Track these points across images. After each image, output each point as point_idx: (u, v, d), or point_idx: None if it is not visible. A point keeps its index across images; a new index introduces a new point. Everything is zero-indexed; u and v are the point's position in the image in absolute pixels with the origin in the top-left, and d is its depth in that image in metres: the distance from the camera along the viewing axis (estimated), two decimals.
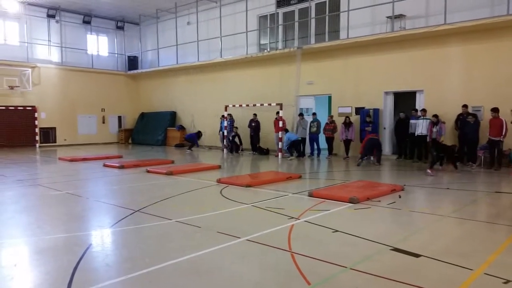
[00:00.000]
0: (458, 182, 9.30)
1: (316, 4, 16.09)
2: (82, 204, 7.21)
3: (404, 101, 14.31)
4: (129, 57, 23.67)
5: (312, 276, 3.75)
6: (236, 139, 16.73)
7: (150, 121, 22.78)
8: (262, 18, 18.12)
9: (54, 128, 20.93)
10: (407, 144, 13.50)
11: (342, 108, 15.23)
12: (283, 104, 14.99)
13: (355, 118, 14.64)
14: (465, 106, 12.05)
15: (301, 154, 14.78)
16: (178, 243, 4.84)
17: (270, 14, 17.66)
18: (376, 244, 4.68)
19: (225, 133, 16.70)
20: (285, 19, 17.41)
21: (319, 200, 7.12)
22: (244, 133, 16.93)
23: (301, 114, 15.50)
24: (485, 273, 3.82)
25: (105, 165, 12.14)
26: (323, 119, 15.09)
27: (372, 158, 12.79)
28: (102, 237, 5.23)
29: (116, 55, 23.74)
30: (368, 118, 13.85)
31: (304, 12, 16.47)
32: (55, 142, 20.93)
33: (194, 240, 4.96)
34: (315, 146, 15.01)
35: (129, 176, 10.48)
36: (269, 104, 15.33)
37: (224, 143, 16.86)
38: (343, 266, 3.98)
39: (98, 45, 23.19)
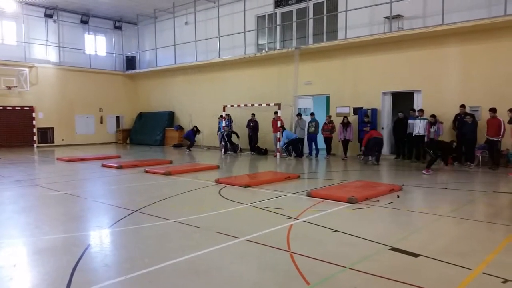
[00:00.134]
0: (456, 182, 9.34)
1: (314, 4, 16.12)
2: (80, 204, 7.20)
3: (402, 101, 14.35)
4: (127, 57, 23.63)
5: (311, 276, 3.76)
6: (233, 138, 16.65)
7: (148, 121, 22.74)
8: (260, 18, 18.12)
9: (52, 128, 20.87)
10: (405, 144, 13.54)
11: (340, 108, 15.26)
12: (281, 104, 15.00)
13: (353, 118, 14.65)
14: (463, 106, 12.10)
15: (299, 154, 14.80)
16: (177, 243, 4.84)
17: (268, 14, 17.65)
18: (374, 244, 4.69)
19: (224, 134, 16.66)
20: (283, 19, 17.42)
21: (317, 200, 7.13)
22: (243, 133, 16.94)
23: (299, 114, 15.51)
24: (483, 273, 3.83)
25: (103, 165, 12.12)
26: (321, 119, 15.09)
27: (370, 157, 12.80)
28: (100, 238, 5.22)
29: (114, 55, 23.69)
30: (366, 118, 13.88)
31: (302, 12, 16.49)
32: (53, 142, 20.86)
33: (193, 240, 4.96)
34: (314, 146, 15.02)
35: (127, 176, 10.47)
36: (267, 104, 15.33)
37: (222, 143, 16.82)
38: (342, 266, 3.99)
39: (96, 45, 23.15)
